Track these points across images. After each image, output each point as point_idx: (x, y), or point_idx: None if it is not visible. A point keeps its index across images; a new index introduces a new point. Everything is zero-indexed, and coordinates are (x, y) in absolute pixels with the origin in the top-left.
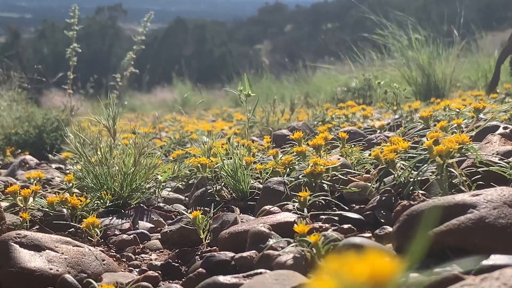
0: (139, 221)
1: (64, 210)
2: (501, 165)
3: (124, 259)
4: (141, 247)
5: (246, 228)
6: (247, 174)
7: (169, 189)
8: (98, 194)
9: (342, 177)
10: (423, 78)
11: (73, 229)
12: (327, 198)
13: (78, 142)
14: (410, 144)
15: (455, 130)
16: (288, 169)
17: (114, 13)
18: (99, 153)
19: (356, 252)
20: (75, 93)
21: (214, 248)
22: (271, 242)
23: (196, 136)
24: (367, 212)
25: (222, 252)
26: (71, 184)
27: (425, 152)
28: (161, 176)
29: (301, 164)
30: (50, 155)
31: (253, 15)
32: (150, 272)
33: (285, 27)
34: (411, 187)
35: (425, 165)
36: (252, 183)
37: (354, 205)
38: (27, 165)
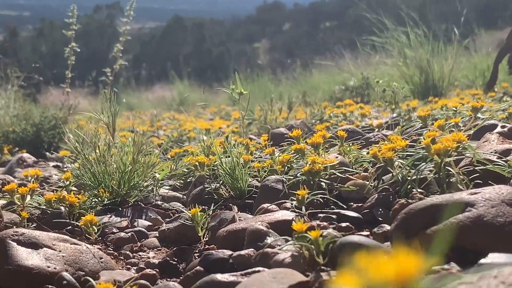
0: (137, 219)
1: (62, 208)
2: (499, 163)
3: (121, 257)
4: (139, 245)
5: (244, 226)
6: (245, 172)
7: (167, 187)
8: (95, 192)
9: (340, 175)
10: (421, 76)
11: (70, 227)
12: (325, 196)
13: (76, 140)
14: (408, 143)
15: (453, 129)
16: (286, 167)
17: (112, 11)
18: (97, 151)
19: (383, 253)
20: (73, 91)
21: (212, 246)
22: (269, 240)
23: (194, 134)
24: (365, 211)
25: (220, 250)
26: (68, 182)
27: (423, 151)
28: (159, 174)
29: (299, 162)
30: (47, 153)
31: (252, 14)
32: (148, 270)
33: (284, 25)
34: (409, 186)
35: (423, 163)
36: (250, 181)
37: (352, 203)
38: (25, 163)
